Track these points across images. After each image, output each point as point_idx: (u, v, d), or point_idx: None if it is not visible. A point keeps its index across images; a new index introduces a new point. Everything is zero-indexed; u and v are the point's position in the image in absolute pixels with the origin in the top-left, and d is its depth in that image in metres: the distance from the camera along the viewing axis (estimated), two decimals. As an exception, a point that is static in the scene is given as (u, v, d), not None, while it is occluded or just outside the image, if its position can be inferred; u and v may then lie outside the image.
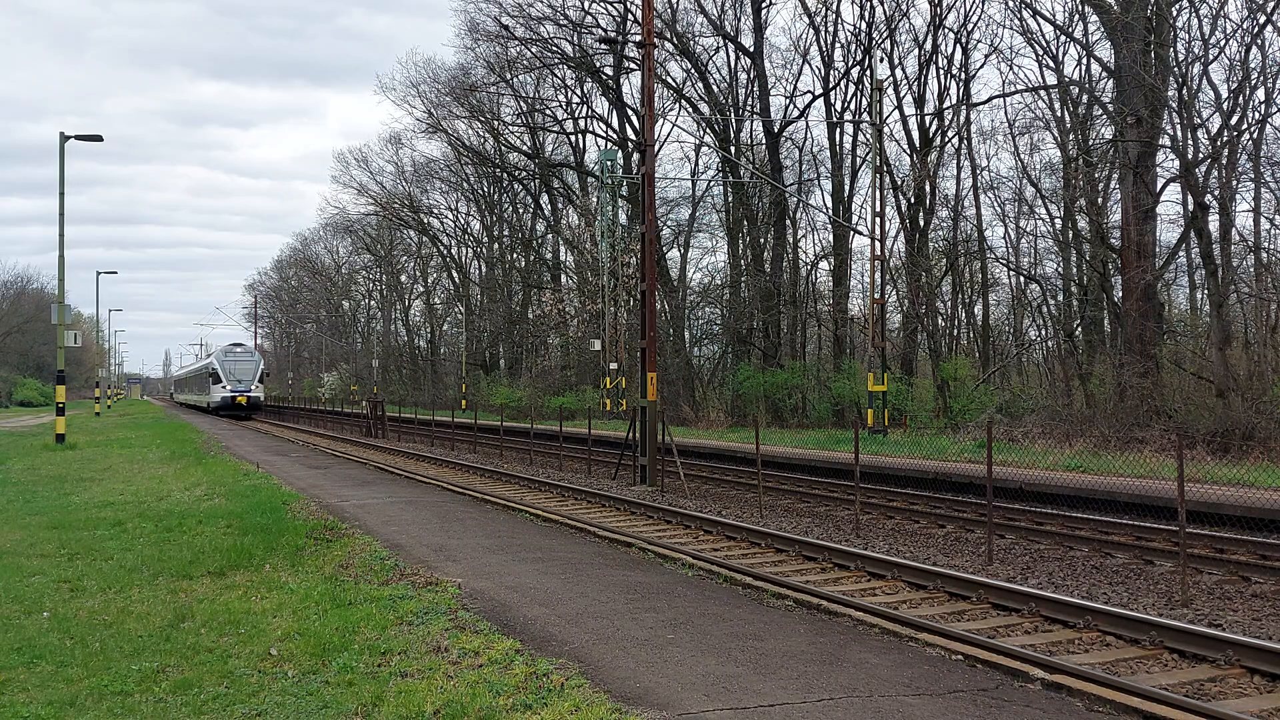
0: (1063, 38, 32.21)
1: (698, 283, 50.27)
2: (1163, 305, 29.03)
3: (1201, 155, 25.38)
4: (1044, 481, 16.55)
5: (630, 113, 47.23)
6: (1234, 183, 26.15)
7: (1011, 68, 64.00)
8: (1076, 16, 31.77)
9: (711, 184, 47.11)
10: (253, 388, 62.79)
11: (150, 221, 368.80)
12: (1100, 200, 31.10)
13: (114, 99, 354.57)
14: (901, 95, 37.55)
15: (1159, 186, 27.33)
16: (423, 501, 15.80)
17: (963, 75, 36.68)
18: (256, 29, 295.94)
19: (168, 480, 19.46)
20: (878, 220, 31.24)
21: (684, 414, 38.18)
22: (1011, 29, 53.24)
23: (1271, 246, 29.12)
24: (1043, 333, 37.05)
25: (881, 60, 36.83)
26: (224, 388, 61.90)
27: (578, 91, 52.30)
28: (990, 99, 38.52)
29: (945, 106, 36.56)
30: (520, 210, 62.25)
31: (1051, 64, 33.44)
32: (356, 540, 11.60)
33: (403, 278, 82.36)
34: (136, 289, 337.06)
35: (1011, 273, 37.25)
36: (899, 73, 37.63)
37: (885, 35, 37.18)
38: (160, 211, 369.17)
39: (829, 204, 42.07)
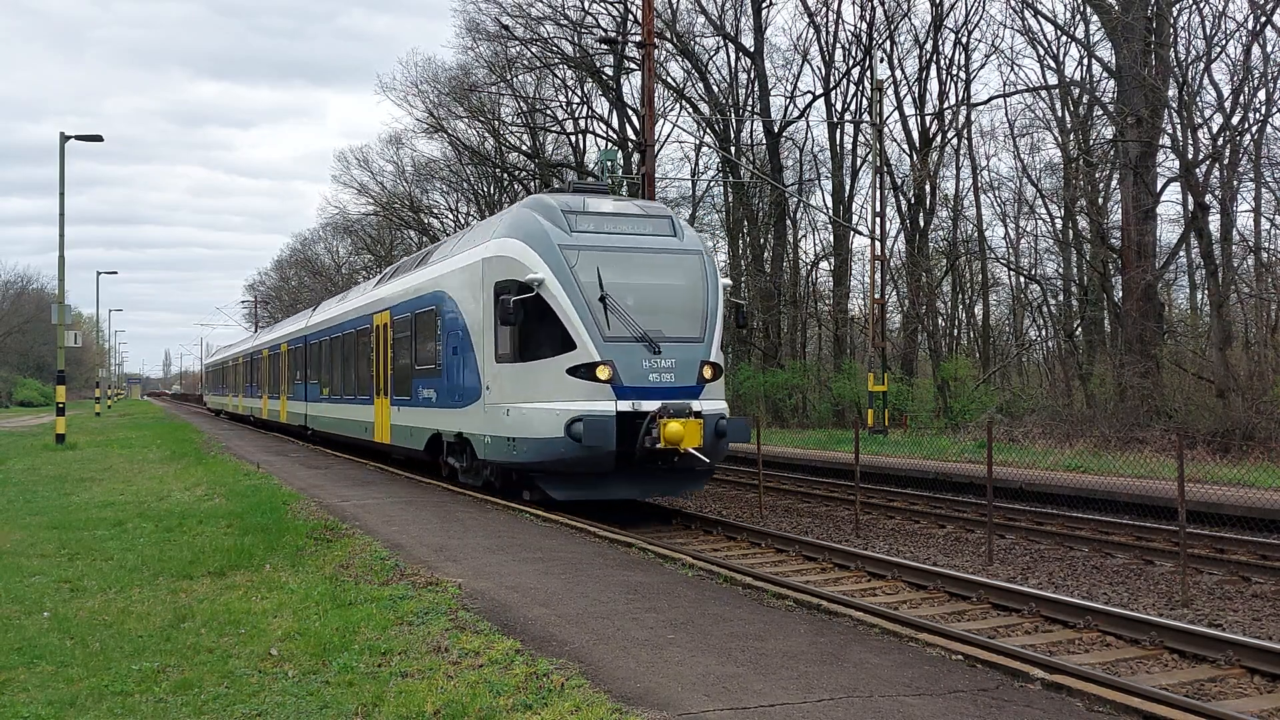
0: (1064, 38, 32.26)
1: (698, 283, 50.14)
2: (1163, 305, 29.02)
3: (1201, 155, 25.39)
4: (1044, 481, 16.55)
5: (630, 113, 47.20)
6: (1234, 183, 26.16)
7: (1012, 68, 64.08)
8: (1078, 17, 31.81)
9: (711, 184, 47.08)
10: (705, 368, 13.90)
11: (150, 221, 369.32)
12: (1100, 200, 31.12)
13: (114, 99, 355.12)
14: (901, 95, 37.59)
15: (1159, 186, 27.34)
16: (423, 501, 15.79)
17: (963, 75, 36.74)
18: (256, 29, 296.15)
19: (168, 480, 19.46)
20: (878, 220, 31.26)
21: (684, 414, 38.08)
22: (1012, 29, 53.27)
23: (1272, 246, 29.16)
24: (1043, 333, 37.06)
25: (881, 60, 36.85)
26: (603, 373, 13.26)
27: (578, 91, 52.29)
28: (990, 99, 38.57)
29: (945, 107, 36.57)
30: (520, 210, 62.13)
31: (1052, 64, 33.54)
32: (357, 540, 11.59)
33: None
34: (137, 289, 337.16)
35: (1011, 273, 37.26)
36: (899, 73, 37.67)
37: (885, 35, 37.19)
38: (160, 211, 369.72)
39: (829, 204, 42.10)
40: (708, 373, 13.90)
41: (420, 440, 18.36)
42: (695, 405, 13.47)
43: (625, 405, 13.20)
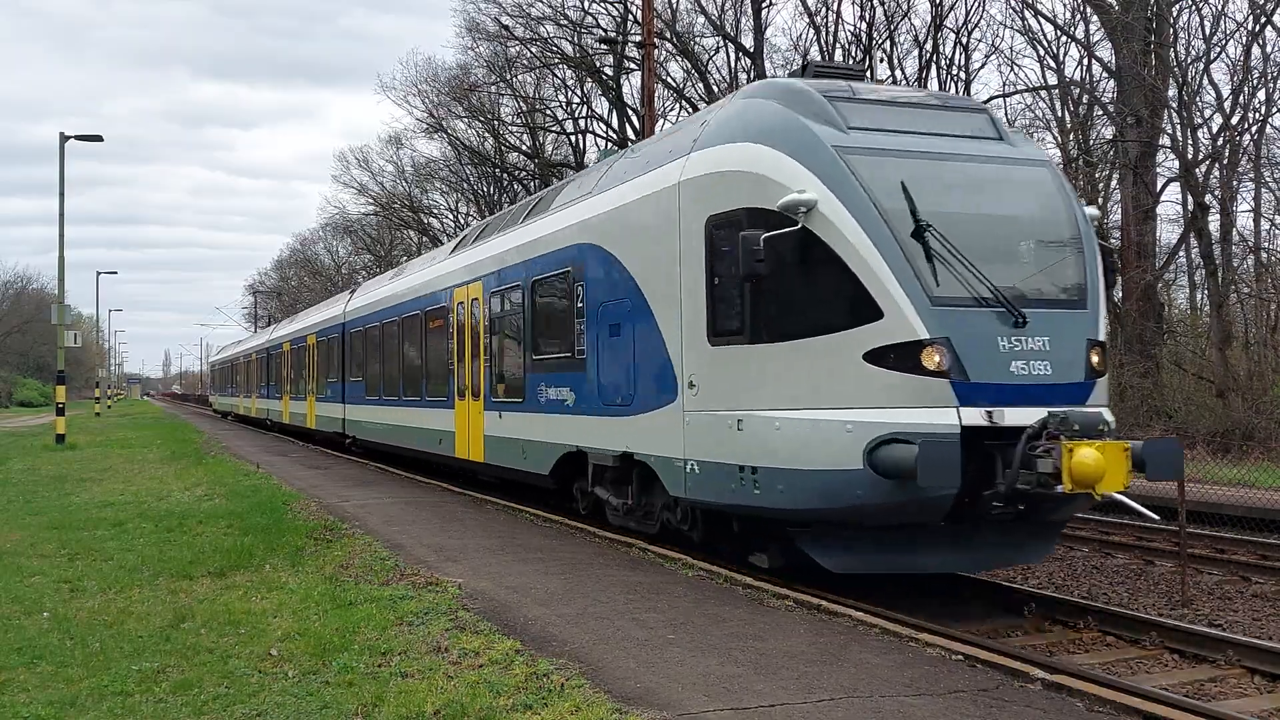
0: (1064, 38, 32.26)
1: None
2: (1163, 305, 29.04)
3: (1201, 155, 25.41)
4: (1044, 481, 16.51)
5: (630, 113, 47.22)
6: (1234, 183, 26.19)
7: (1012, 68, 63.98)
8: (1078, 17, 31.82)
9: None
10: (1093, 351, 8.51)
11: (152, 222, 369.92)
12: (1100, 200, 31.11)
13: (116, 99, 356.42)
14: (902, 96, 37.55)
15: (1159, 186, 27.37)
16: (423, 502, 15.80)
17: (963, 75, 36.71)
18: (258, 29, 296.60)
19: (168, 480, 19.45)
20: (878, 220, 31.18)
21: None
22: (1012, 29, 53.19)
23: (1271, 246, 29.17)
24: (1043, 333, 37.01)
25: (881, 60, 36.84)
26: (932, 359, 7.87)
27: (578, 91, 52.31)
28: (990, 99, 38.50)
29: (945, 106, 36.55)
30: (520, 210, 62.13)
31: (1052, 64, 33.51)
32: (357, 540, 11.60)
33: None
34: (138, 289, 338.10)
35: (1012, 273, 37.20)
36: (899, 73, 37.63)
37: (885, 35, 37.19)
38: (162, 212, 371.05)
39: (829, 204, 42.00)
40: (1095, 358, 8.51)
41: (543, 460, 12.98)
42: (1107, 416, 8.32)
43: (974, 415, 7.88)
